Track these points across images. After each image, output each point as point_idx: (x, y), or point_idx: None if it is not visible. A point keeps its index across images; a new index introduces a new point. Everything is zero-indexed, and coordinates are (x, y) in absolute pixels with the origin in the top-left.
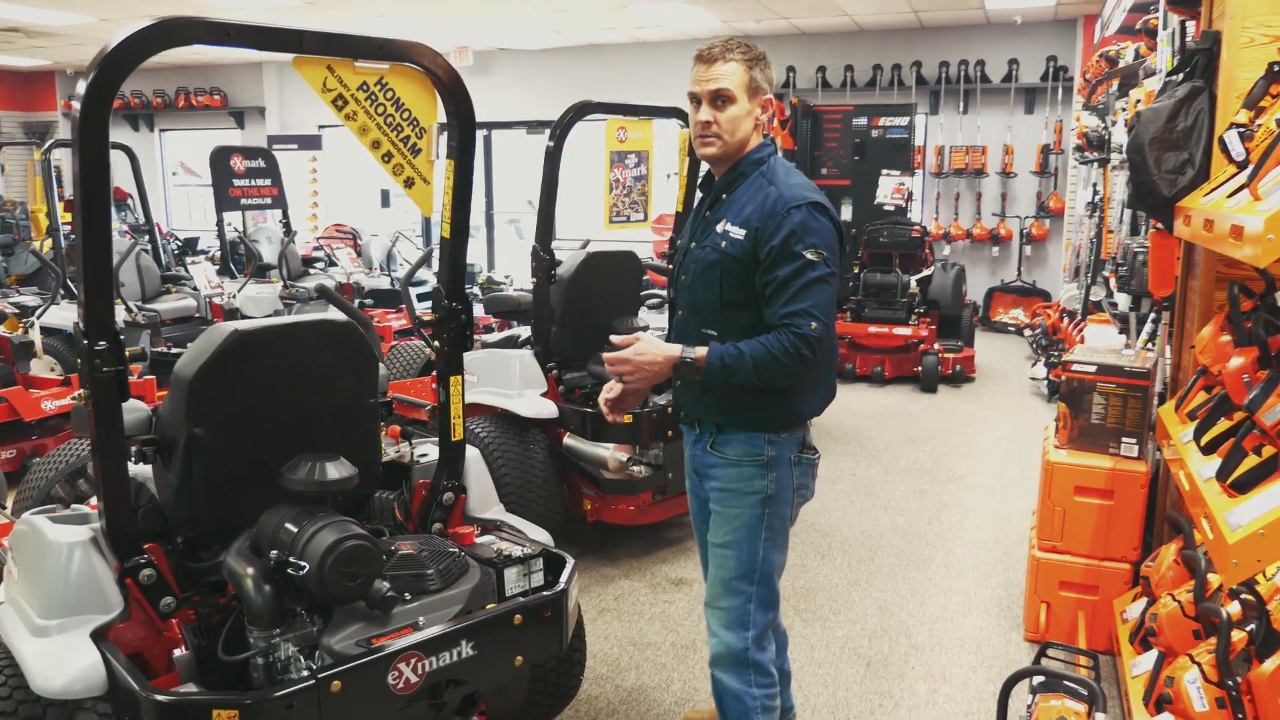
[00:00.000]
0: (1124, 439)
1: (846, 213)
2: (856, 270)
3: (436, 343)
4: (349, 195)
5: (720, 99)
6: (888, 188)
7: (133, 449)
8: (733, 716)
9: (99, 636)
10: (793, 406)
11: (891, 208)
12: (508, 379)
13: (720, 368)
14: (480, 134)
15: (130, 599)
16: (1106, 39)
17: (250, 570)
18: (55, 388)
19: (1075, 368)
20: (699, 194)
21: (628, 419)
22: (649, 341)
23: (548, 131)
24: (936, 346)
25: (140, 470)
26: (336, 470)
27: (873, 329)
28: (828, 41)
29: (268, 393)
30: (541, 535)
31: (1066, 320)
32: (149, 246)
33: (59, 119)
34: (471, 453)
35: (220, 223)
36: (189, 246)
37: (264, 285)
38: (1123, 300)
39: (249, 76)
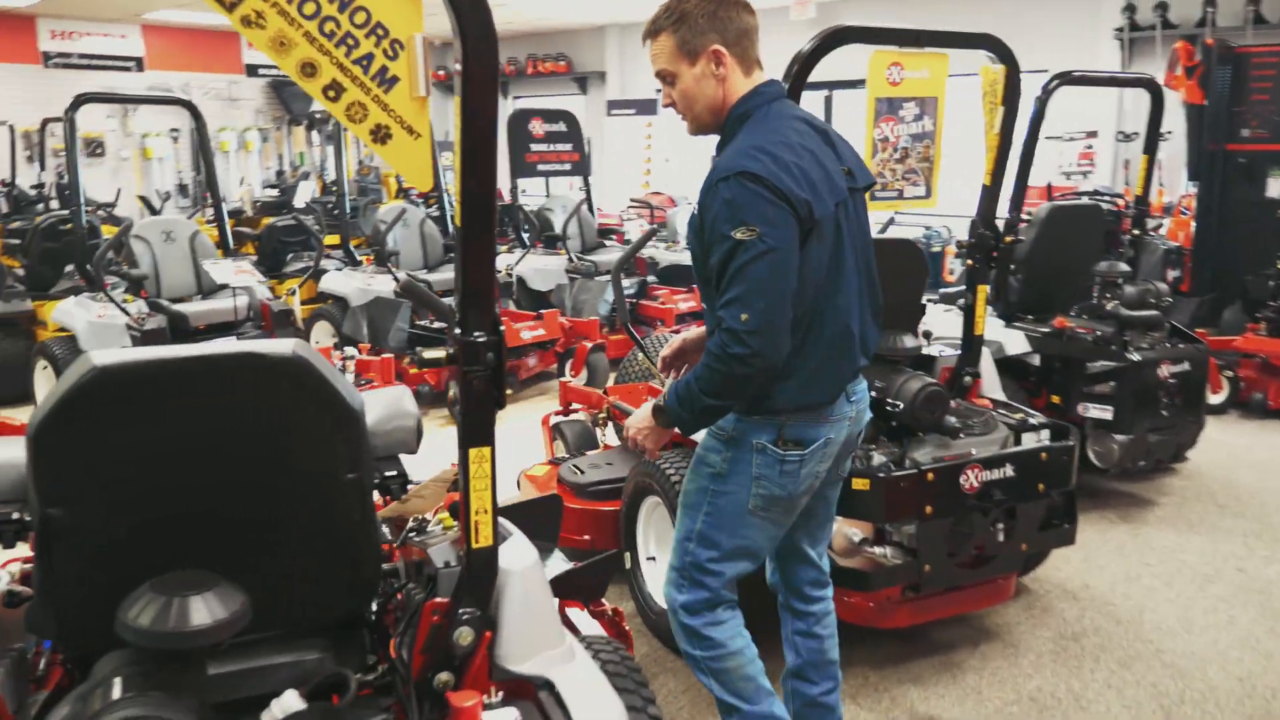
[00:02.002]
0: None
1: (1278, 187)
2: None
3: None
4: (686, 162)
5: (665, 79)
6: None
7: None
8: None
9: None
10: (764, 392)
11: None
12: None
13: (677, 406)
14: (819, 94)
15: None
16: None
17: None
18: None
19: None
20: None
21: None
22: (640, 413)
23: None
24: None
25: None
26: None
27: None
28: None
29: None
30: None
31: None
32: (438, 214)
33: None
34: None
35: (514, 189)
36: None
37: (550, 257)
38: None
39: (592, 41)
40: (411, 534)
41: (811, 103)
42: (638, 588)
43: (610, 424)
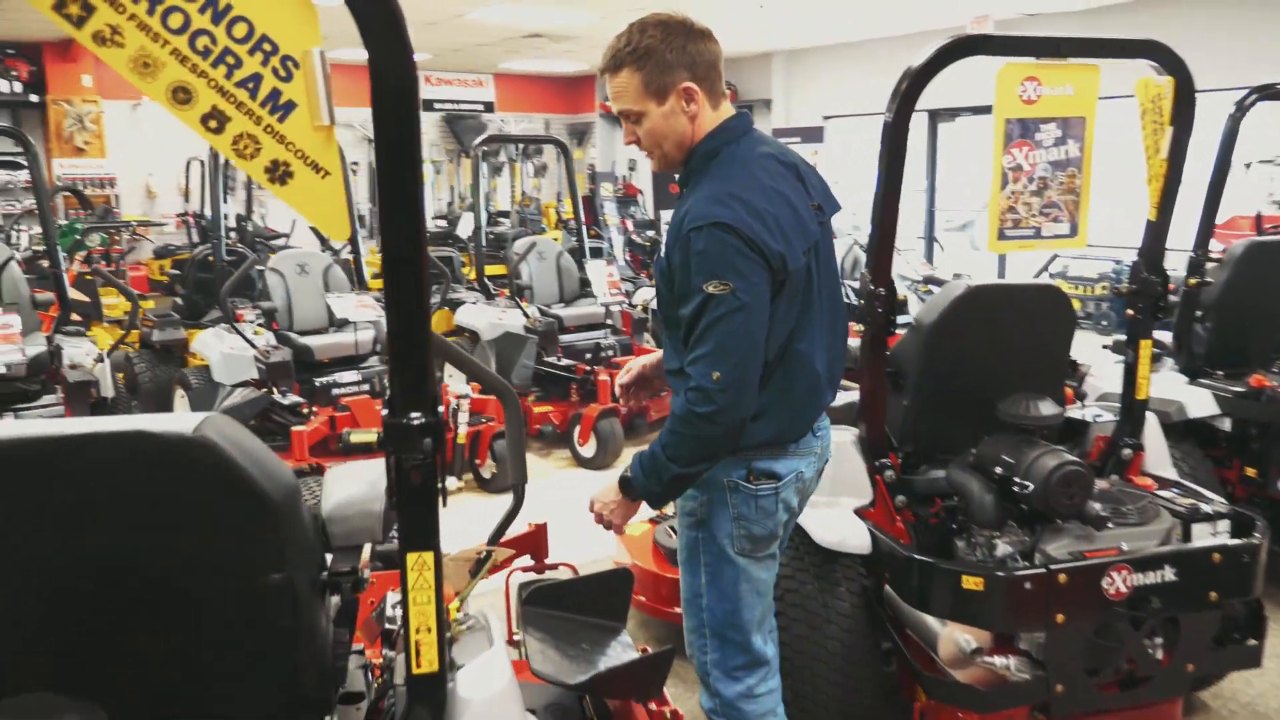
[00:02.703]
0: None
1: None
2: None
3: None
4: (852, 190)
5: (630, 116)
6: None
7: None
8: None
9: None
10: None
11: None
12: None
13: (643, 478)
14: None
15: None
16: None
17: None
18: None
19: None
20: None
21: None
22: (605, 486)
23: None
24: None
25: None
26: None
27: None
28: None
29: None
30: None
31: None
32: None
33: (595, 120)
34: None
35: (656, 220)
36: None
37: None
38: None
39: (757, 68)
40: (391, 625)
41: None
42: None
43: None
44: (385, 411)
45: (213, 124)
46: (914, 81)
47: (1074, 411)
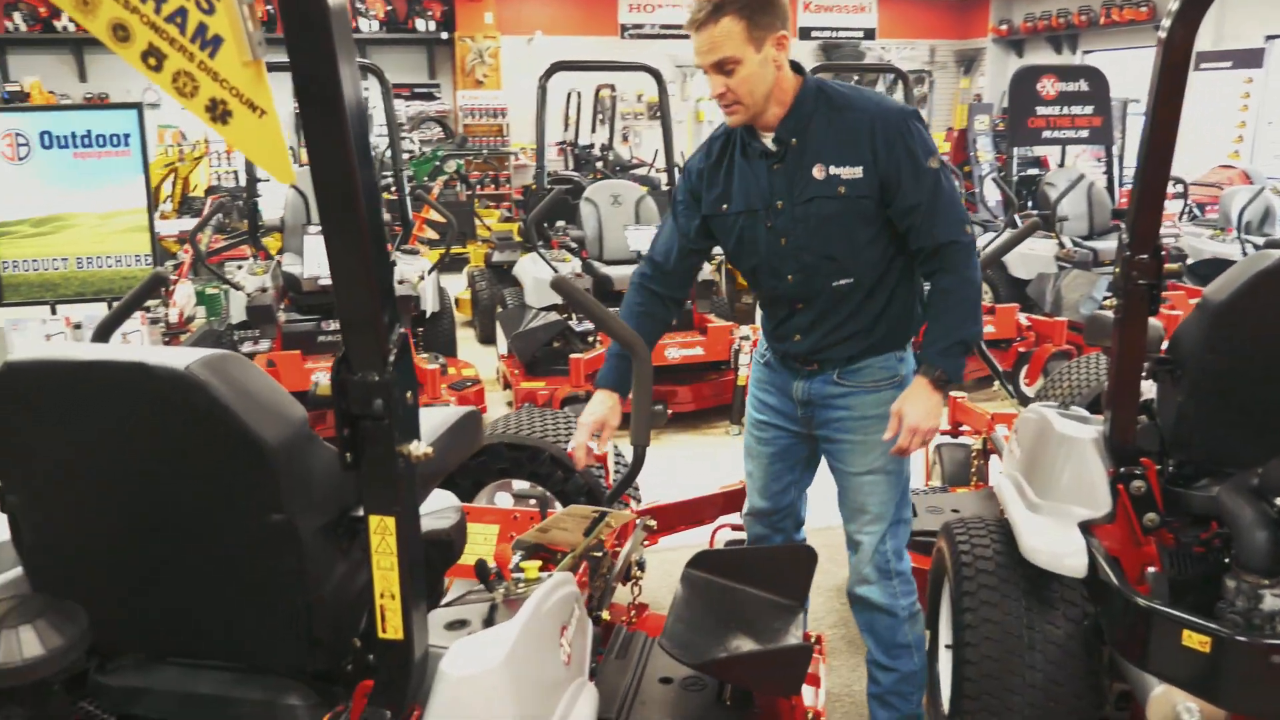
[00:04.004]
0: None
1: None
2: None
3: None
4: None
5: (725, 67)
6: None
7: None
8: (883, 632)
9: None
10: (915, 315)
11: None
12: (1040, 471)
13: (958, 356)
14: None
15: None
16: None
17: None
18: None
19: None
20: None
21: None
22: (908, 403)
23: None
24: None
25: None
26: None
27: None
28: None
29: None
30: None
31: None
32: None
33: (987, 45)
34: None
35: (1011, 158)
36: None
37: (1042, 241)
38: None
39: None
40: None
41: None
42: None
43: (993, 456)
44: (340, 368)
45: (151, 61)
46: None
47: None
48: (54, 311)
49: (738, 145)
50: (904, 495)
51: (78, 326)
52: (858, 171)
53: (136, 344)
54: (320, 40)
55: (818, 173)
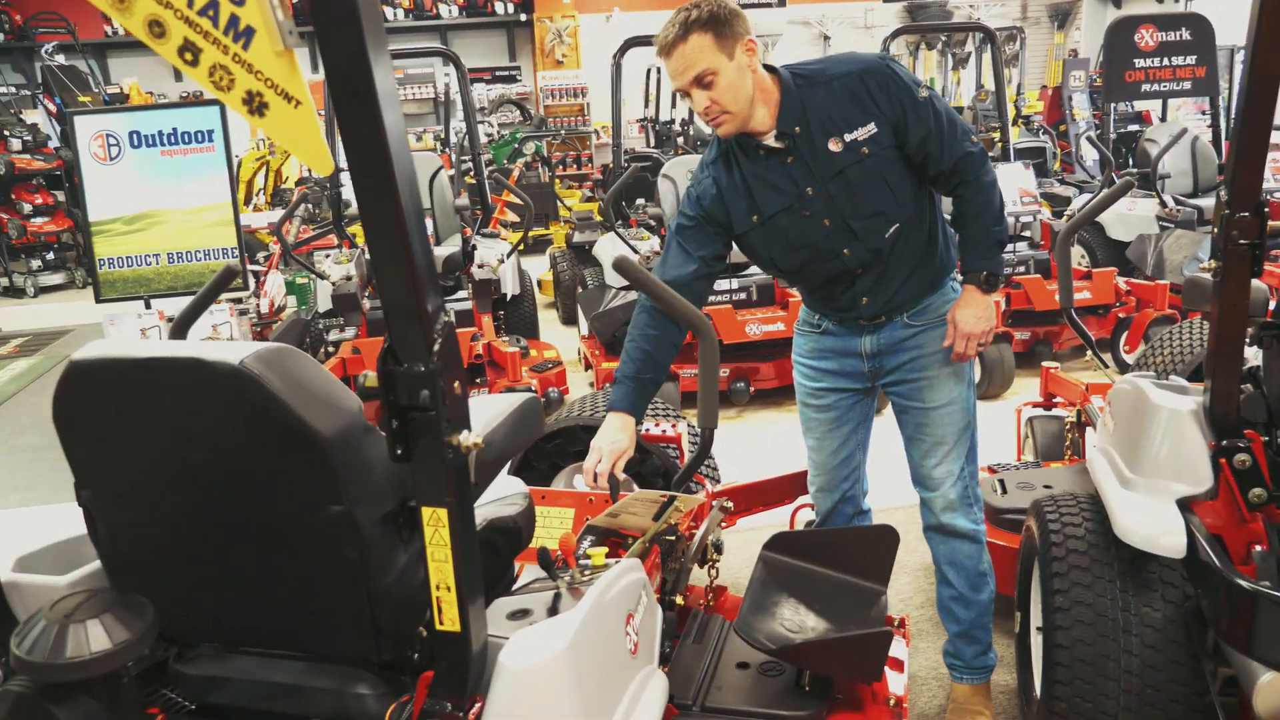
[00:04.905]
0: None
1: None
2: None
3: None
4: None
5: (704, 80)
6: None
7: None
8: (965, 561)
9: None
10: (951, 238)
11: None
12: (1135, 445)
13: (998, 257)
14: None
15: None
16: None
17: None
18: None
19: None
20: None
21: None
22: (960, 309)
23: None
24: None
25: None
26: None
27: None
28: None
29: None
30: None
31: None
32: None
33: (1084, 1)
34: None
35: (1107, 114)
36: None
37: (1142, 200)
38: None
39: None
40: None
41: None
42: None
43: (1087, 430)
44: (387, 359)
45: (188, 56)
46: None
47: None
48: (148, 306)
49: (737, 158)
50: (973, 422)
51: (170, 320)
52: (872, 128)
53: (226, 336)
54: (350, 31)
55: (834, 146)
